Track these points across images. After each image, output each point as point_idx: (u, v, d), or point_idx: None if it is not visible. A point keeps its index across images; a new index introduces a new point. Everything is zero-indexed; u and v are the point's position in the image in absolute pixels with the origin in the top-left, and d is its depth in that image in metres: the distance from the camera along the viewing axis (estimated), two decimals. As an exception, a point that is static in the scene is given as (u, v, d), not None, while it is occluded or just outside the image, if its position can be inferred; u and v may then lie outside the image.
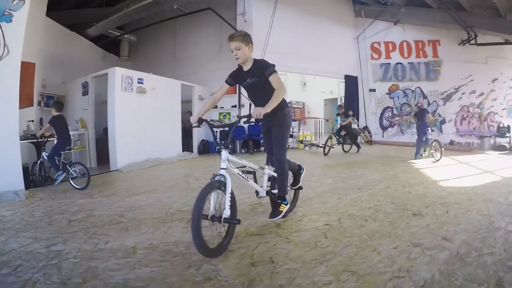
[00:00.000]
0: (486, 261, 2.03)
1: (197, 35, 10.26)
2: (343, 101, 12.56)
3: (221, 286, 1.79)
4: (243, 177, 2.56)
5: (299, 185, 3.15)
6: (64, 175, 4.62)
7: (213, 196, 2.15)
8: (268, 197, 2.90)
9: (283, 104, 2.64)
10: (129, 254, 2.22)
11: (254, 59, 2.62)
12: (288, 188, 2.94)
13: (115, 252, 2.27)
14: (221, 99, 2.90)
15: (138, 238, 2.54)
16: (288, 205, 2.84)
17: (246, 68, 2.63)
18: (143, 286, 1.80)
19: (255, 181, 2.76)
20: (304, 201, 3.58)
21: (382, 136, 12.44)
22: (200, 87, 9.20)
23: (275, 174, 2.86)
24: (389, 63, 12.26)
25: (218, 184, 2.16)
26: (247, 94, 2.90)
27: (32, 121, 5.99)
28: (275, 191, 2.86)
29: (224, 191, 2.18)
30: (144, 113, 6.93)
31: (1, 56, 4.03)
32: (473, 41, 9.95)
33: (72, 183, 4.60)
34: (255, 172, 2.84)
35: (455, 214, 3.15)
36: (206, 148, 9.11)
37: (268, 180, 2.90)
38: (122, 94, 6.41)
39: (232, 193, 2.23)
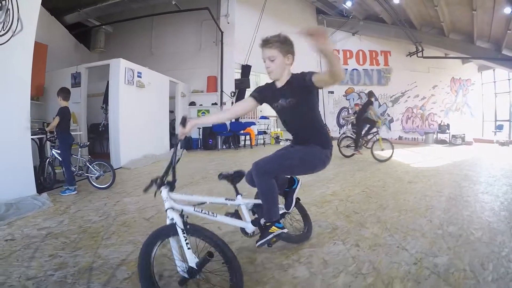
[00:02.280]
0: (464, 197, 3.46)
1: (175, 32, 10.60)
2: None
3: None
4: (205, 213, 1.84)
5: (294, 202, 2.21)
6: (75, 192, 4.01)
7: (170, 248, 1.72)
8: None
9: (330, 143, 2.04)
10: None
11: (292, 73, 1.99)
12: (282, 211, 2.17)
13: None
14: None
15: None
16: (281, 231, 1.95)
17: (279, 84, 2.01)
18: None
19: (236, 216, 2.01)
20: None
21: (339, 133, 14.20)
22: (183, 84, 9.69)
23: (257, 201, 2.09)
24: (346, 69, 14.18)
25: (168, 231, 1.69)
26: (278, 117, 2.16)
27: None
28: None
29: (177, 235, 1.65)
30: (142, 108, 7.00)
31: (14, 31, 3.47)
32: (420, 54, 12.17)
33: (94, 183, 4.30)
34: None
35: (435, 181, 4.65)
36: (189, 144, 9.60)
37: (252, 209, 2.14)
38: (125, 87, 6.34)
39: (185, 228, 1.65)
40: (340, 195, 3.74)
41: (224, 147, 9.94)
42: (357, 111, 7.95)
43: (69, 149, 4.27)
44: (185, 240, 1.61)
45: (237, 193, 2.09)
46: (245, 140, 10.36)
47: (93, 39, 10.95)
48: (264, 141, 11.14)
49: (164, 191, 1.74)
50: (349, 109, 14.12)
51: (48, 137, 4.43)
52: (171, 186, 1.77)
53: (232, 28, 9.97)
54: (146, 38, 10.99)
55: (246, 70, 10.41)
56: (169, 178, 1.76)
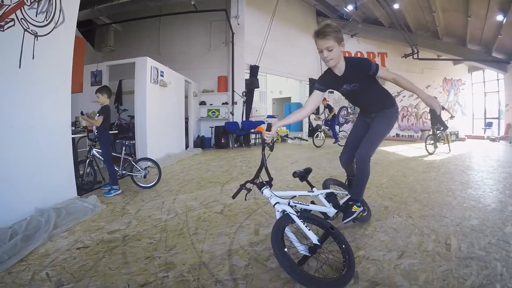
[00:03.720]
0: (473, 182, 4.30)
1: (183, 32, 10.99)
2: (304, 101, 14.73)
3: None
4: (300, 203, 2.22)
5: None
6: (119, 191, 4.03)
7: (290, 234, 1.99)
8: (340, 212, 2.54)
9: (393, 101, 2.48)
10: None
11: (345, 58, 2.28)
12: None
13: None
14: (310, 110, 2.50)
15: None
16: (361, 208, 2.46)
17: (338, 72, 2.30)
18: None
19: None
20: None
21: (339, 131, 15.04)
22: (194, 83, 10.16)
23: (328, 191, 2.62)
24: None
25: (284, 222, 1.97)
26: (346, 99, 2.64)
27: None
28: (343, 200, 2.57)
29: (294, 222, 1.98)
30: (164, 108, 7.24)
31: (56, 22, 3.36)
32: (415, 56, 13.14)
33: (139, 182, 4.32)
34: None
35: (445, 170, 5.56)
36: (203, 143, 10.05)
37: (326, 198, 2.56)
38: (151, 86, 6.55)
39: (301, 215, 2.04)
40: (374, 183, 4.44)
41: (236, 145, 10.35)
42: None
43: (111, 148, 4.31)
44: (303, 223, 1.96)
45: (311, 186, 2.56)
46: (255, 138, 10.94)
47: (100, 38, 11.11)
48: (273, 139, 11.67)
49: (266, 190, 2.15)
50: (348, 108, 14.97)
51: (90, 136, 4.44)
52: (270, 185, 2.19)
53: (242, 29, 10.56)
54: (154, 37, 11.19)
55: (254, 70, 11.04)
56: (266, 178, 2.21)
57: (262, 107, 13.50)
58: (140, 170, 4.39)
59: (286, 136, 12.25)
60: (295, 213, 2.01)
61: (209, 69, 10.79)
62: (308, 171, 2.55)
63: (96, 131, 4.15)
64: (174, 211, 3.23)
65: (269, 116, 12.44)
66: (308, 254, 1.87)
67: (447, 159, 7.02)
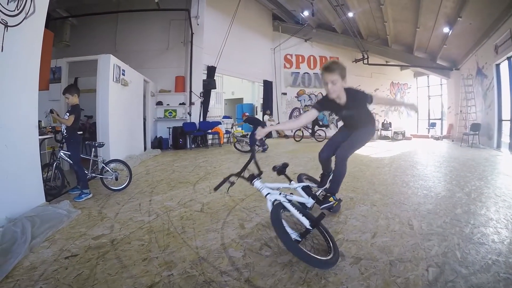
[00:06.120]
0: (423, 175, 4.82)
1: (142, 31, 10.79)
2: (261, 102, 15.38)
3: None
4: (285, 194, 2.45)
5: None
6: (91, 195, 3.90)
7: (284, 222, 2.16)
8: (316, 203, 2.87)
9: (374, 119, 2.98)
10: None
11: (345, 89, 2.64)
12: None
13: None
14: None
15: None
16: (337, 200, 2.87)
17: (339, 100, 2.68)
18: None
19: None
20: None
21: (291, 131, 15.59)
22: (152, 83, 10.01)
23: (305, 184, 2.92)
24: (298, 72, 16.00)
25: (280, 209, 2.22)
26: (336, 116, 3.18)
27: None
28: (319, 191, 3.08)
29: (288, 210, 2.28)
30: (125, 108, 7.10)
31: (27, 13, 3.15)
32: (365, 61, 14.22)
33: (108, 185, 4.23)
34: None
35: (396, 166, 6.23)
36: (161, 144, 9.97)
37: (303, 190, 2.86)
38: (113, 85, 6.38)
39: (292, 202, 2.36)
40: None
41: (193, 146, 10.41)
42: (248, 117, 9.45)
43: (80, 150, 4.14)
44: (295, 209, 2.26)
45: (290, 179, 2.86)
46: (212, 139, 11.06)
47: (55, 32, 10.37)
48: (229, 140, 11.91)
49: (257, 182, 2.40)
50: (301, 109, 15.73)
51: (57, 137, 4.23)
52: (260, 177, 2.45)
53: (202, 29, 10.67)
54: (111, 34, 10.85)
55: (211, 71, 11.21)
56: (256, 171, 2.46)
57: (218, 108, 13.70)
58: (111, 172, 4.27)
59: (242, 136, 12.43)
60: (288, 201, 2.29)
61: (166, 68, 10.73)
62: (286, 165, 2.84)
63: (65, 131, 3.96)
64: (155, 212, 3.26)
65: (225, 117, 12.67)
66: (299, 239, 2.12)
67: (397, 156, 7.81)
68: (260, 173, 2.49)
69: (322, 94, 15.82)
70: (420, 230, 2.57)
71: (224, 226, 2.80)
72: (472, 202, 3.42)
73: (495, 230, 2.56)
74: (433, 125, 15.21)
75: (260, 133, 2.61)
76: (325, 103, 2.78)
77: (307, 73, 15.88)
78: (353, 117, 2.82)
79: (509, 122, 8.55)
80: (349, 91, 2.66)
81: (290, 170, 5.51)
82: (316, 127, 12.71)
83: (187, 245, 2.39)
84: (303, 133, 12.79)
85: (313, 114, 2.80)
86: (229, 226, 2.80)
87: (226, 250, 2.29)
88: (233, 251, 2.27)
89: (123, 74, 7.05)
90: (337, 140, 2.97)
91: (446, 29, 10.55)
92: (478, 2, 8.30)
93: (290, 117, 15.71)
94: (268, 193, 2.36)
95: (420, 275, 1.86)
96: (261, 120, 11.74)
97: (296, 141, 12.45)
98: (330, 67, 2.52)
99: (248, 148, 8.72)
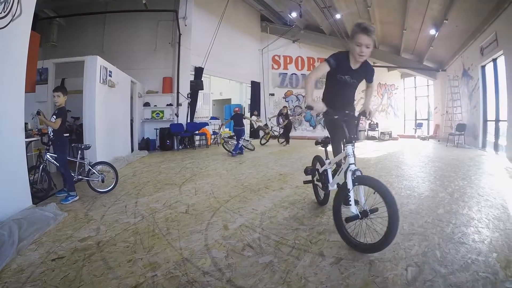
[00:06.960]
0: (408, 175, 4.94)
1: (129, 31, 10.76)
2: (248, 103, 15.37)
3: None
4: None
5: None
6: (77, 197, 3.92)
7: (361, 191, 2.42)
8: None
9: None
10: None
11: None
12: None
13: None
14: None
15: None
16: None
17: (354, 65, 2.62)
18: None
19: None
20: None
21: (279, 132, 15.69)
22: (139, 84, 10.02)
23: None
24: (286, 73, 16.14)
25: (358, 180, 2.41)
26: (327, 89, 2.95)
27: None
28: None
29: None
30: (111, 109, 7.12)
31: (14, 15, 3.15)
32: (353, 62, 14.41)
33: (95, 187, 4.23)
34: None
35: (381, 166, 6.34)
36: (148, 146, 9.92)
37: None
38: (100, 87, 6.39)
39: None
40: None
41: (180, 147, 10.41)
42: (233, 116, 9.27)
43: (67, 152, 4.16)
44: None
45: (327, 157, 3.14)
46: (200, 140, 11.10)
47: (42, 32, 10.26)
48: (216, 141, 11.95)
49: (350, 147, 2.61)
50: (288, 110, 15.75)
51: (44, 139, 4.24)
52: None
53: (189, 30, 10.67)
54: (98, 34, 10.83)
55: (199, 72, 11.23)
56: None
57: (206, 109, 13.71)
58: (97, 175, 4.28)
59: (229, 137, 12.42)
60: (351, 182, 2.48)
61: (154, 69, 10.74)
62: (329, 140, 3.12)
63: (51, 134, 3.97)
64: (140, 214, 3.29)
65: (212, 118, 12.69)
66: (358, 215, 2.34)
67: (383, 157, 7.93)
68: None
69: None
70: (401, 230, 2.63)
71: (208, 227, 2.84)
72: (454, 202, 3.52)
73: (476, 229, 2.64)
74: (419, 125, 15.48)
75: (317, 107, 2.47)
76: (341, 60, 2.62)
77: (295, 74, 16.02)
78: (352, 88, 2.77)
79: (494, 122, 8.76)
80: (366, 61, 2.64)
81: (275, 171, 5.73)
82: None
83: (171, 246, 2.43)
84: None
85: (324, 67, 2.63)
86: (213, 227, 2.84)
87: (209, 251, 2.33)
88: (216, 252, 2.31)
89: (110, 76, 7.10)
90: (340, 133, 2.87)
91: (432, 31, 10.75)
92: (464, 5, 8.50)
93: (278, 118, 15.67)
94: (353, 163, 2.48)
95: (399, 274, 1.92)
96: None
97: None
98: (370, 29, 2.40)
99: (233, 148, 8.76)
